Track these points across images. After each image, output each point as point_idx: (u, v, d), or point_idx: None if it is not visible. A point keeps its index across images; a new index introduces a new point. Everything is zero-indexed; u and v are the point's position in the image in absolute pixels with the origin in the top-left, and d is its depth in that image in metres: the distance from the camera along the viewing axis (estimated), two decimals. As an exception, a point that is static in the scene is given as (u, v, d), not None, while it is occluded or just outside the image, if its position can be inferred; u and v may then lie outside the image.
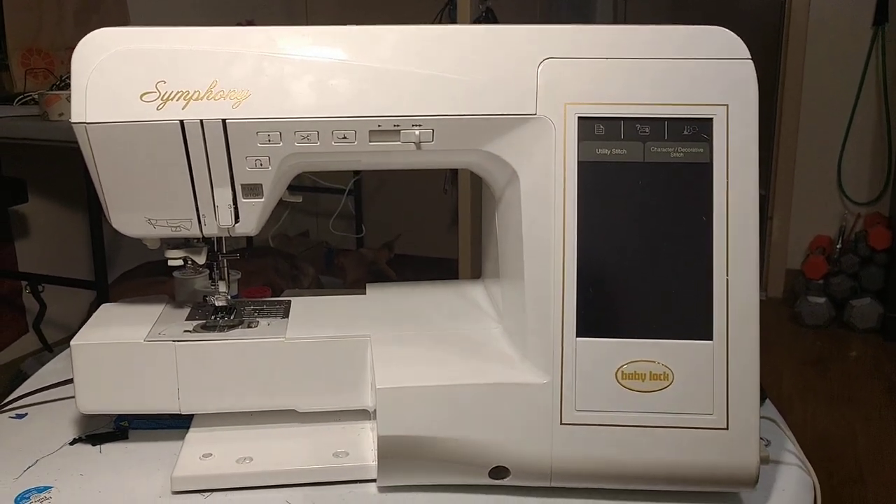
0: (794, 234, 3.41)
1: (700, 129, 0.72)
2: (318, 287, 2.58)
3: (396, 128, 0.73)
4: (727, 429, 0.70)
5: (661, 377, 0.71)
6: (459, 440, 0.71)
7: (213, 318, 0.83)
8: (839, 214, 3.35)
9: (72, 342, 0.77)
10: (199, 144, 0.72)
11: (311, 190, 3.49)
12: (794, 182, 3.37)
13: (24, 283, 2.50)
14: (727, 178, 0.71)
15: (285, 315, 0.85)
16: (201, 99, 0.71)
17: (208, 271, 0.86)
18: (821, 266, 3.18)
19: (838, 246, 3.25)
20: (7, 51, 2.43)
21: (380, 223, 3.79)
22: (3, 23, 2.41)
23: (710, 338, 0.70)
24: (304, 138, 0.73)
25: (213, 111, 0.71)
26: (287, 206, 3.45)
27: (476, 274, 0.97)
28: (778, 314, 3.28)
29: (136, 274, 2.30)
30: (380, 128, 0.73)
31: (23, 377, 0.94)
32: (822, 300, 3.13)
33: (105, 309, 0.85)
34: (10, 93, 2.44)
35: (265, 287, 1.14)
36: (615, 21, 4.27)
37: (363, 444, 0.78)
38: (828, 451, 2.23)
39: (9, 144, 2.36)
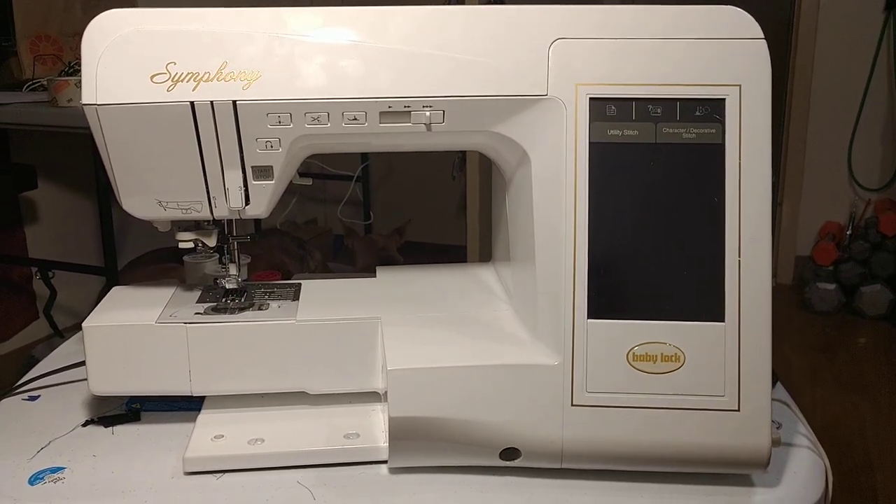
0: (803, 220, 3.40)
1: (712, 110, 0.71)
2: (326, 272, 2.58)
3: (407, 109, 0.73)
4: (738, 410, 0.70)
5: (673, 359, 0.70)
6: (470, 421, 0.71)
7: (223, 300, 0.83)
8: (849, 200, 3.33)
9: (84, 324, 0.77)
10: (209, 126, 0.72)
11: (319, 176, 3.49)
12: (804, 168, 3.35)
13: (34, 269, 2.51)
14: (739, 159, 0.71)
15: (296, 297, 0.85)
16: (211, 80, 0.71)
17: (218, 255, 0.87)
18: (831, 252, 3.17)
19: (848, 232, 3.24)
20: (15, 37, 2.43)
21: (388, 210, 3.79)
22: (11, 9, 2.41)
23: (721, 319, 0.70)
24: (315, 120, 0.73)
25: (223, 92, 0.71)
26: (295, 192, 3.45)
27: (485, 260, 0.96)
28: (787, 300, 3.27)
29: (146, 260, 2.31)
30: (390, 109, 0.73)
31: (34, 363, 0.94)
32: (831, 286, 3.11)
33: (116, 292, 0.85)
34: (19, 79, 2.44)
35: (275, 272, 1.14)
36: (624, 1, 4.25)
37: (374, 426, 0.78)
38: (837, 438, 2.22)
39: (18, 131, 2.36)
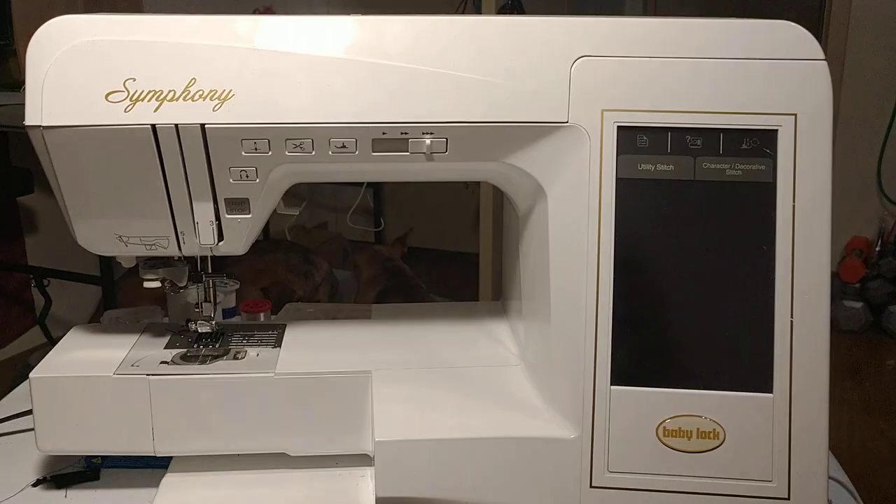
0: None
1: (762, 143, 0.62)
2: (332, 283, 2.49)
3: (404, 136, 0.63)
4: (789, 499, 0.61)
5: (711, 435, 0.61)
6: (471, 504, 0.61)
7: (195, 346, 0.74)
8: (878, 215, 3.22)
9: (31, 374, 0.68)
10: (174, 153, 0.63)
11: (329, 182, 3.40)
12: (831, 181, 3.23)
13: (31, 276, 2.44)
14: (794, 201, 0.61)
15: (277, 344, 0.75)
16: (177, 99, 0.61)
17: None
18: (858, 269, 3.07)
19: (877, 248, 3.14)
20: (14, 36, 2.35)
21: (399, 217, 3.70)
22: (9, 6, 2.33)
23: (769, 390, 0.61)
24: (297, 147, 0.63)
25: (190, 114, 0.61)
26: (304, 197, 3.35)
27: (497, 272, 0.86)
28: (812, 319, 3.15)
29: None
30: (385, 136, 0.63)
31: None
32: (858, 305, 3.02)
33: (75, 333, 0.76)
34: (18, 80, 2.36)
35: (265, 300, 1.04)
36: (645, 13, 4.13)
37: (362, 496, 0.68)
38: (865, 467, 2.12)
39: (15, 133, 2.28)
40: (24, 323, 2.60)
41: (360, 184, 3.35)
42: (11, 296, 2.55)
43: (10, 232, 2.49)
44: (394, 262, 2.51)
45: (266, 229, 3.06)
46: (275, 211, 0.73)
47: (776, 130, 0.61)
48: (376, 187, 3.52)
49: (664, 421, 0.61)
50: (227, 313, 1.10)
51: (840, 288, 3.10)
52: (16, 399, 0.87)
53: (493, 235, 3.09)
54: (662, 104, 0.62)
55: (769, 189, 0.61)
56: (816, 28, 3.21)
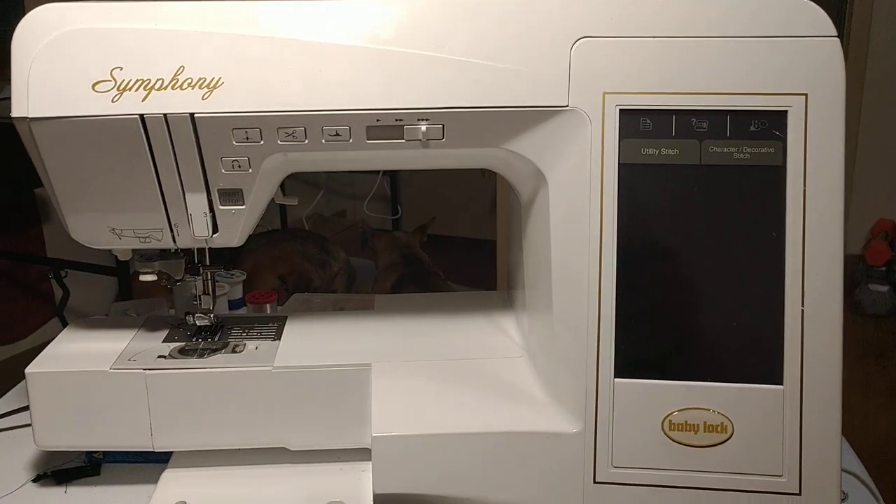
0: (854, 218, 3.22)
1: (771, 125, 0.59)
2: (350, 271, 2.48)
3: (399, 123, 0.61)
4: (799, 494, 0.59)
5: (719, 429, 0.59)
6: (472, 500, 0.60)
7: (194, 339, 0.73)
8: (905, 197, 3.16)
9: (27, 370, 0.67)
10: (164, 143, 0.61)
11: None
12: (855, 162, 3.17)
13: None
14: (804, 185, 0.59)
15: (277, 337, 0.74)
16: (165, 88, 0.60)
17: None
18: (884, 252, 3.02)
19: (903, 231, 3.08)
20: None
21: (417, 204, 3.68)
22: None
23: (779, 382, 0.59)
24: (289, 135, 0.61)
25: (179, 103, 0.60)
26: (322, 186, 3.34)
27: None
28: (836, 303, 3.10)
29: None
30: (379, 123, 0.61)
31: None
32: (884, 288, 2.97)
33: (73, 327, 0.75)
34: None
35: (271, 291, 1.03)
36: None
37: (363, 492, 0.67)
38: (889, 453, 2.08)
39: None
40: (43, 314, 2.61)
41: (376, 171, 3.33)
42: (30, 287, 2.56)
43: (28, 223, 2.50)
44: (412, 249, 2.49)
45: (283, 218, 3.05)
46: (273, 201, 0.72)
47: (786, 111, 0.59)
48: (393, 175, 3.49)
49: (670, 414, 0.59)
50: (234, 304, 1.09)
51: (866, 271, 3.05)
52: (19, 393, 0.87)
53: (511, 223, 3.07)
54: (666, 86, 0.59)
55: (779, 173, 0.59)
56: (840, 11, 3.14)
